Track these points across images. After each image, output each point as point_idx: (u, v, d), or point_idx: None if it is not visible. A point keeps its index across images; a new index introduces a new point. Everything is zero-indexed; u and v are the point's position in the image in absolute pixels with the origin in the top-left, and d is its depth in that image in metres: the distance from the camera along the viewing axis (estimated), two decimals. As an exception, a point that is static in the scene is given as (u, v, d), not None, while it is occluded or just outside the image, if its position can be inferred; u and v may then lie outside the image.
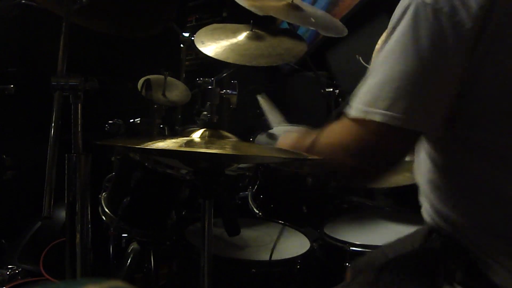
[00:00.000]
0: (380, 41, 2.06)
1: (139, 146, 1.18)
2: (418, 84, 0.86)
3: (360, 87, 0.93)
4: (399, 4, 0.91)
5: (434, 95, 0.88)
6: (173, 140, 1.09)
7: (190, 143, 1.10)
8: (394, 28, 0.89)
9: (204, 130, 1.25)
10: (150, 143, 1.07)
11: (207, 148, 1.05)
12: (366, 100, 0.90)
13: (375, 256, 1.25)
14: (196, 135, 1.23)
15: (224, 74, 2.20)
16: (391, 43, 0.89)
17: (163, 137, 1.75)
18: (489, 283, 0.89)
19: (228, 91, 1.39)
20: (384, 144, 0.91)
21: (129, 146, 1.31)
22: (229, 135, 1.27)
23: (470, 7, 0.82)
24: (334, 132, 1.00)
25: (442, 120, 0.89)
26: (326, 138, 1.02)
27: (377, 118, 0.88)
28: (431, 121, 0.89)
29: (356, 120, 0.92)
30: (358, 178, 1.03)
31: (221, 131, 1.26)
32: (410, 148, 0.97)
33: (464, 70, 0.85)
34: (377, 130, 0.89)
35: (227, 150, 1.04)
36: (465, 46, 0.84)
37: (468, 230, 0.93)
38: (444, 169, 0.97)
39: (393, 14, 0.92)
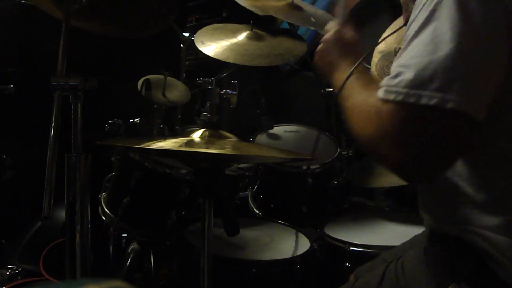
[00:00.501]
0: (380, 40, 2.06)
1: (139, 146, 1.18)
2: (472, 63, 0.80)
3: (393, 70, 0.86)
4: None
5: (486, 77, 0.82)
6: (173, 140, 1.09)
7: (190, 143, 1.10)
8: (434, 10, 0.83)
9: (204, 130, 1.25)
10: (150, 143, 1.07)
11: (207, 148, 1.05)
12: (410, 82, 0.81)
13: (376, 262, 1.25)
14: (196, 135, 1.23)
15: (224, 74, 2.20)
16: (437, 24, 0.82)
17: (163, 137, 1.75)
18: (497, 281, 0.88)
19: (228, 91, 1.39)
20: (434, 130, 0.82)
21: (129, 146, 1.31)
22: (229, 135, 1.27)
23: None
24: (367, 118, 0.91)
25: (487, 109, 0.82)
26: (357, 123, 0.93)
27: (424, 100, 0.80)
28: (483, 107, 0.82)
29: (396, 104, 0.83)
30: (407, 174, 0.89)
31: (221, 131, 1.26)
32: (462, 140, 0.84)
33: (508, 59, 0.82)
34: (425, 115, 0.81)
35: (227, 150, 1.04)
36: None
37: (485, 230, 0.91)
38: (469, 173, 0.93)
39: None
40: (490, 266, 0.89)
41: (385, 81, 0.87)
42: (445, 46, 0.80)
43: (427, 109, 0.80)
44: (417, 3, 0.90)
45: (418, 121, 0.82)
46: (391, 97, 0.84)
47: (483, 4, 0.81)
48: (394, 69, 0.86)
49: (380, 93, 0.87)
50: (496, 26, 0.81)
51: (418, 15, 0.86)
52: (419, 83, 0.81)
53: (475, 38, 0.80)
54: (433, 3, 0.83)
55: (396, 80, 0.84)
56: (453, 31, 0.80)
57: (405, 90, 0.82)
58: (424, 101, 0.80)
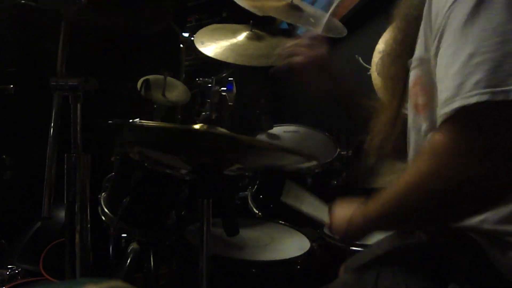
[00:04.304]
0: (380, 41, 2.07)
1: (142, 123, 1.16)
2: None
3: (445, 77, 0.77)
4: None
5: None
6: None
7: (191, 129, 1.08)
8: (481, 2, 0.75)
9: (202, 125, 1.24)
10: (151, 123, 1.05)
11: (208, 130, 1.02)
12: (488, 81, 0.72)
13: (366, 254, 1.23)
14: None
15: (224, 74, 2.21)
16: (491, 15, 0.74)
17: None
18: (497, 275, 0.87)
19: (224, 88, 1.39)
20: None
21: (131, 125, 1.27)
22: (227, 132, 1.27)
23: None
24: (439, 152, 0.77)
25: None
26: (417, 171, 0.81)
27: (501, 96, 0.71)
28: None
29: (476, 111, 0.73)
30: (493, 193, 0.77)
31: (219, 128, 1.25)
32: None
33: None
34: (504, 115, 0.72)
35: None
36: None
37: (490, 223, 0.88)
38: None
39: None
40: (488, 259, 0.89)
41: (446, 96, 0.76)
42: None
43: (501, 107, 0.71)
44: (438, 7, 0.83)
45: (491, 125, 0.73)
46: (472, 100, 0.72)
47: None
48: (449, 82, 0.77)
49: (447, 108, 0.75)
50: None
51: (453, 13, 0.78)
52: (499, 80, 0.72)
53: None
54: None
55: (467, 86, 0.74)
56: None
57: (487, 90, 0.72)
58: (497, 97, 0.71)
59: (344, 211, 1.07)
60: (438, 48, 0.83)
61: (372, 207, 0.95)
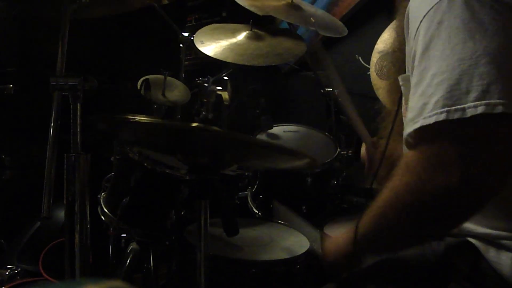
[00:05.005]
0: (379, 41, 2.07)
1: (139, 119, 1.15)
2: (505, 62, 0.76)
3: (413, 96, 0.81)
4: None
5: None
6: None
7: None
8: (440, 23, 0.79)
9: (198, 124, 1.24)
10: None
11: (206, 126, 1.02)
12: (445, 100, 0.76)
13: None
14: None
15: (223, 74, 2.20)
16: (448, 34, 0.77)
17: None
18: (497, 277, 0.88)
19: (219, 87, 1.39)
20: (493, 139, 0.76)
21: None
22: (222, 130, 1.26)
23: None
24: (411, 167, 0.81)
25: None
26: (401, 182, 0.83)
27: (470, 112, 0.74)
28: None
29: (437, 129, 0.77)
30: (480, 197, 0.79)
31: (215, 128, 1.25)
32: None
33: None
34: (478, 128, 0.75)
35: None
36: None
37: (482, 227, 0.90)
38: None
39: (414, 10, 0.84)
40: (487, 261, 0.89)
41: (412, 116, 0.80)
42: (470, 54, 0.76)
43: (476, 120, 0.74)
44: (412, 18, 0.86)
45: (472, 136, 0.76)
46: (431, 120, 0.76)
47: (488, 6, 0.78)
48: (415, 102, 0.80)
49: (409, 128, 0.80)
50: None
51: (420, 36, 0.81)
52: (456, 97, 0.75)
53: (499, 36, 0.76)
54: (438, 15, 0.80)
55: (429, 107, 0.77)
56: (471, 37, 0.76)
57: (445, 109, 0.76)
58: (470, 112, 0.74)
59: (334, 242, 1.06)
60: (413, 68, 0.86)
61: (358, 230, 0.94)
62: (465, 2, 0.78)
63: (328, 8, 2.75)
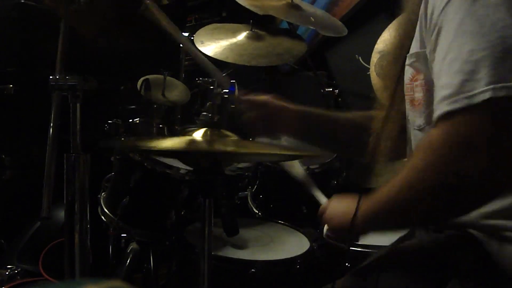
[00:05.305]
0: (379, 41, 2.06)
1: (143, 147, 1.17)
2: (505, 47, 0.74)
3: (447, 73, 0.78)
4: None
5: None
6: (176, 140, 1.08)
7: (193, 142, 1.09)
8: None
9: (206, 130, 1.24)
10: (153, 143, 1.06)
11: (210, 146, 1.03)
12: (486, 78, 0.73)
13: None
14: (198, 134, 1.22)
15: (223, 74, 2.20)
16: (486, 10, 0.75)
17: (164, 136, 1.75)
18: (500, 271, 0.87)
19: (227, 90, 1.39)
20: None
21: (133, 146, 1.29)
22: (230, 134, 1.27)
23: None
24: (438, 148, 0.78)
25: None
26: (423, 161, 0.80)
27: (503, 92, 0.72)
28: None
29: (480, 108, 0.74)
30: (497, 183, 0.78)
31: (222, 130, 1.25)
32: None
33: None
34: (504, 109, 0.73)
35: (232, 148, 1.03)
36: None
37: (486, 217, 0.88)
38: None
39: None
40: (488, 254, 0.88)
41: (447, 93, 0.78)
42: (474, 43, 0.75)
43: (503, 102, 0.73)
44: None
45: (496, 119, 0.74)
46: (477, 99, 0.74)
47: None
48: (450, 79, 0.78)
49: (447, 106, 0.77)
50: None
51: (450, 8, 0.80)
52: (502, 75, 0.73)
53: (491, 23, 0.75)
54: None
55: (471, 84, 0.75)
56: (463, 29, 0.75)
57: (491, 86, 0.73)
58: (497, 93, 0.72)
59: (342, 205, 1.07)
60: (436, 44, 0.83)
61: (370, 204, 0.94)
62: None
63: (328, 8, 2.75)
